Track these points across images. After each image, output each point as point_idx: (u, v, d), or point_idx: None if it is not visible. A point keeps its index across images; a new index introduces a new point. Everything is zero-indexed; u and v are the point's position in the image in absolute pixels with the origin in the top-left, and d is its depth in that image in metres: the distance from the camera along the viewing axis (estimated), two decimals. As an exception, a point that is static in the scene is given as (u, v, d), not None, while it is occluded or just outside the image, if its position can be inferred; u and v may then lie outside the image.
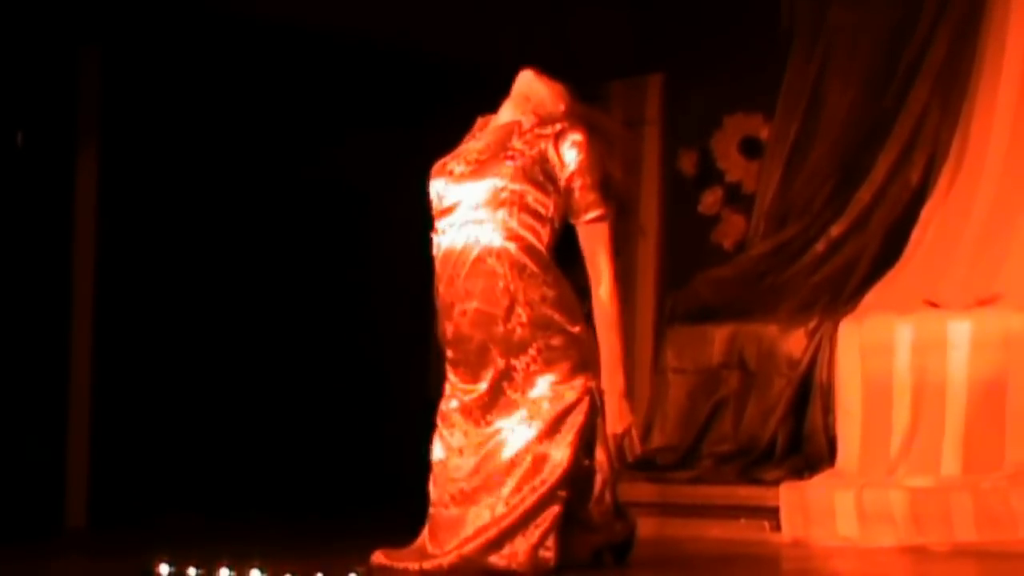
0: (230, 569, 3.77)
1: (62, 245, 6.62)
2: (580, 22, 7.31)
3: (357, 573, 3.76)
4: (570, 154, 4.39)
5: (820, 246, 6.69)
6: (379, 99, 7.36)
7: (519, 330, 4.33)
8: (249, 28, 6.75)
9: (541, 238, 4.37)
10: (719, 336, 6.51)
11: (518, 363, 4.34)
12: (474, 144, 4.52)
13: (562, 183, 4.38)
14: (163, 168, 6.74)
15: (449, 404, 4.45)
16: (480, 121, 4.66)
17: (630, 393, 4.45)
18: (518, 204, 4.36)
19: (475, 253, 4.36)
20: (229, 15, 6.64)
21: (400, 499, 4.74)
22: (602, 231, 4.39)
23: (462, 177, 4.43)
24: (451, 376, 4.46)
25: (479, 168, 4.42)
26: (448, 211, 4.44)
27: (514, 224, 4.35)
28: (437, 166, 4.53)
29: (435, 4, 6.94)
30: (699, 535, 5.95)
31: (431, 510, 4.40)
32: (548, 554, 4.23)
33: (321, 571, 3.74)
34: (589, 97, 7.35)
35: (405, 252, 7.27)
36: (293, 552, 4.51)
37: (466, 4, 7.01)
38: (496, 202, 4.36)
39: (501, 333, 4.33)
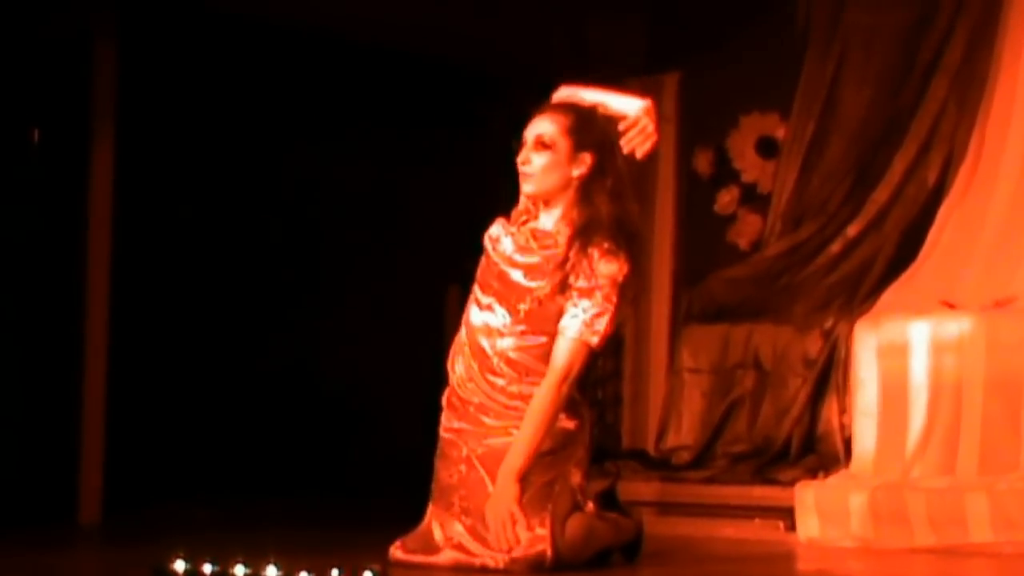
0: (245, 566, 3.77)
1: (77, 240, 6.62)
2: (596, 20, 7.31)
3: (372, 571, 3.75)
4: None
5: (836, 246, 6.68)
6: (393, 101, 7.36)
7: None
8: (265, 24, 6.76)
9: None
10: (734, 336, 6.50)
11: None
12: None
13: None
14: (179, 163, 6.75)
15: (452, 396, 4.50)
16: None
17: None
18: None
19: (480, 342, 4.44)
20: (245, 11, 6.65)
21: (410, 487, 4.74)
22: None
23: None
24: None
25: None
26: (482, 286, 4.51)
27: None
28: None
29: (448, 4, 6.94)
30: (713, 535, 5.94)
31: (435, 486, 4.45)
32: (545, 548, 4.25)
33: (337, 568, 3.73)
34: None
35: (419, 244, 7.32)
36: (308, 546, 4.51)
37: (480, 3, 7.01)
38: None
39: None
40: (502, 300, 4.42)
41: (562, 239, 4.40)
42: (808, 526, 5.72)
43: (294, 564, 3.77)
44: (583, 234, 4.36)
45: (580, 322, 4.31)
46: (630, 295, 4.41)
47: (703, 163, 7.37)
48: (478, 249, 4.61)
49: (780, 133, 7.11)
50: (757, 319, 6.50)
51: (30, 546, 5.13)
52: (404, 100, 7.39)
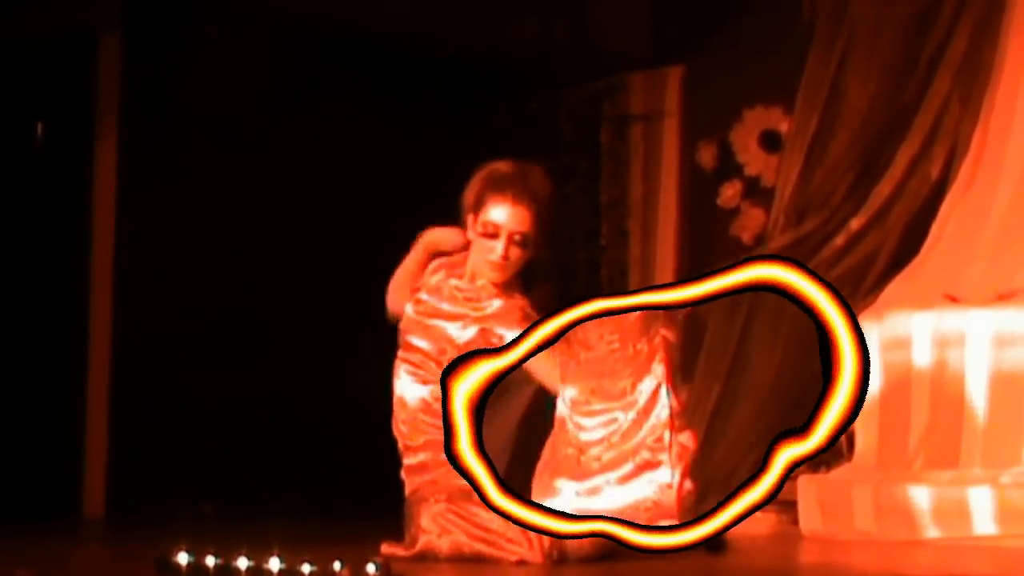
0: (248, 558, 3.78)
1: (82, 235, 6.63)
2: (600, 14, 7.31)
3: (375, 563, 3.76)
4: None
5: (839, 240, 6.67)
6: (391, 94, 7.37)
7: None
8: (269, 18, 6.77)
9: None
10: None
11: None
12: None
13: None
14: (183, 157, 6.75)
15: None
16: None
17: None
18: None
19: None
20: (250, 4, 6.66)
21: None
22: None
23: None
24: None
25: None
26: None
27: None
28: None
29: None
30: (716, 528, 5.94)
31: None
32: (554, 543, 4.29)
33: (339, 560, 3.74)
34: (609, 89, 7.48)
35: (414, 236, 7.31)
36: (311, 539, 4.52)
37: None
38: None
39: None
40: (427, 355, 4.58)
41: (484, 294, 4.57)
42: (811, 519, 5.72)
43: (297, 556, 3.78)
44: (514, 296, 4.55)
45: None
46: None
47: (706, 157, 7.37)
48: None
49: (784, 127, 7.11)
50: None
51: (35, 539, 5.14)
52: (402, 94, 7.38)
